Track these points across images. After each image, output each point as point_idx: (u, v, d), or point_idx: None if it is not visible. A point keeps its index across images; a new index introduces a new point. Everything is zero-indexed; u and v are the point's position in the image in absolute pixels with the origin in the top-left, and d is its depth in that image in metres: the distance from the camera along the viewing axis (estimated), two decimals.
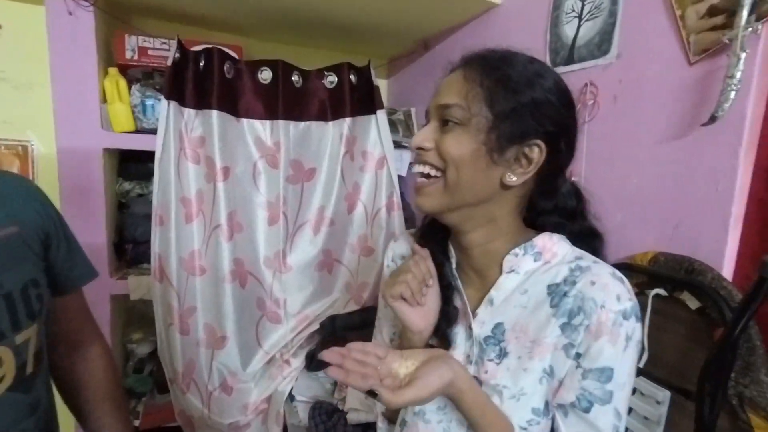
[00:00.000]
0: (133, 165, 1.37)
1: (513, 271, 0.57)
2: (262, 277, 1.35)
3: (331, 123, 1.41)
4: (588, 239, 0.60)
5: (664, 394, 0.76)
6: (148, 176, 1.35)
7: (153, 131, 1.21)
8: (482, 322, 0.58)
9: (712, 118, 0.71)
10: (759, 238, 0.69)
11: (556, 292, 0.54)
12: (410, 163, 1.67)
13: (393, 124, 1.58)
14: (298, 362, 1.38)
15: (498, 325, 0.57)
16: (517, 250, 0.57)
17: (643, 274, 0.82)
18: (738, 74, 0.67)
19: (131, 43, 1.24)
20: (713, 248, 0.74)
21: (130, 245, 1.33)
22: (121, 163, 1.38)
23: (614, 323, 0.50)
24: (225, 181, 1.27)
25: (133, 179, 1.37)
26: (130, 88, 1.22)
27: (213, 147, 1.25)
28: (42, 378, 0.63)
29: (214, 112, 1.23)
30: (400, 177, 1.55)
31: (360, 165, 1.45)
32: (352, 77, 1.41)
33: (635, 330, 0.51)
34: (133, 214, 1.33)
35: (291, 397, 1.34)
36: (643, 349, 0.79)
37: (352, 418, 1.16)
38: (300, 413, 1.29)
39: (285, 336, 1.37)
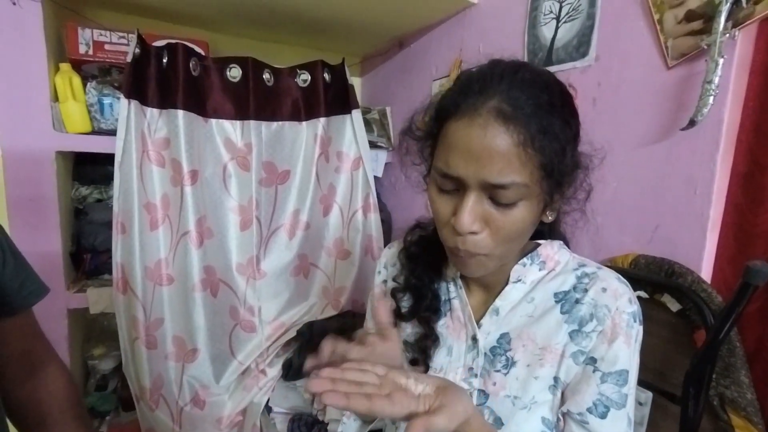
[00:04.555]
0: (90, 168, 1.27)
1: (520, 281, 0.57)
2: (235, 284, 1.29)
3: (305, 123, 1.36)
4: (553, 233, 0.61)
5: (647, 396, 0.77)
6: (106, 179, 1.26)
7: (112, 132, 1.12)
8: (487, 333, 0.57)
9: (692, 123, 0.72)
10: (736, 241, 0.70)
11: (566, 300, 0.54)
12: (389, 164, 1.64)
13: (368, 124, 1.55)
14: (275, 372, 1.33)
15: (504, 335, 0.56)
16: (525, 260, 0.57)
17: (623, 277, 0.83)
18: (716, 79, 0.68)
19: (85, 36, 1.14)
20: (692, 251, 0.75)
21: (89, 255, 1.23)
22: (77, 166, 1.28)
23: (627, 324, 0.51)
24: (193, 185, 1.20)
25: (90, 183, 1.27)
26: (85, 85, 1.12)
27: (179, 149, 1.17)
28: None
29: (180, 112, 1.16)
30: (375, 177, 1.53)
31: (335, 166, 1.41)
32: (326, 76, 1.37)
33: (640, 333, 0.52)
34: (92, 222, 1.23)
35: (268, 409, 1.29)
36: None
37: (334, 429, 1.12)
38: (278, 425, 1.24)
39: (260, 345, 1.32)
